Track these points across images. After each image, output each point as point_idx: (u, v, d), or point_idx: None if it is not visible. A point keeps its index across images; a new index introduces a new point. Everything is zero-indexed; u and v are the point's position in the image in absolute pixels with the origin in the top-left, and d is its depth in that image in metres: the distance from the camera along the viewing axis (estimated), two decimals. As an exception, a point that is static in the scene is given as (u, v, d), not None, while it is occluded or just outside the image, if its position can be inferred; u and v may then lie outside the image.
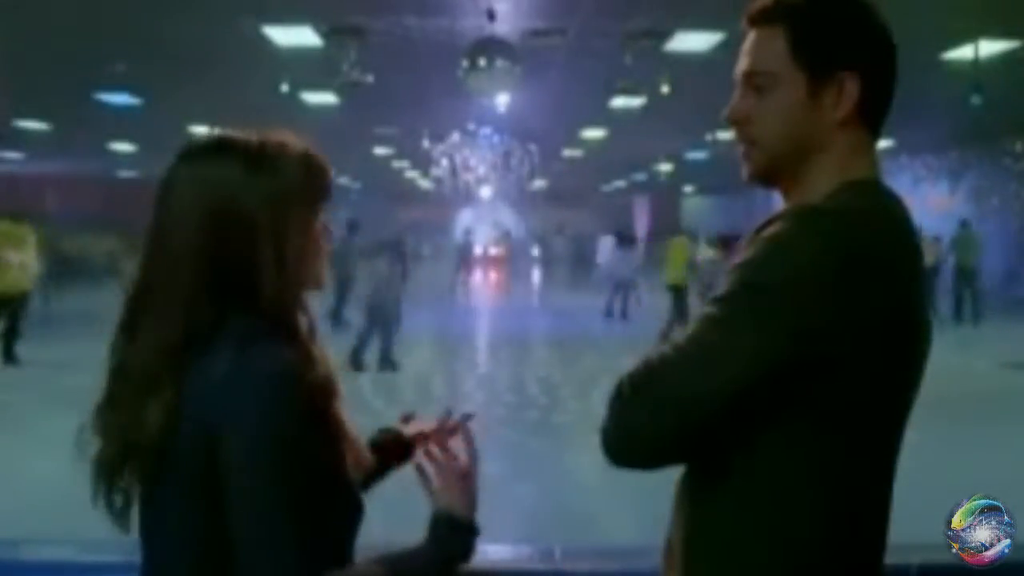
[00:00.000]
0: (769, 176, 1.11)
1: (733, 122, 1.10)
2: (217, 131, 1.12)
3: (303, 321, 1.10)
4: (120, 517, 1.06)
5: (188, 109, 12.24)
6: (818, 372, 0.95)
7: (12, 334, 9.15)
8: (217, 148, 1.09)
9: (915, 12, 6.54)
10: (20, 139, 15.73)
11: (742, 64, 1.10)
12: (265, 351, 1.00)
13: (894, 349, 0.99)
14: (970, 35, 7.65)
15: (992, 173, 16.72)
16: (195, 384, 1.00)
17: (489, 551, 1.69)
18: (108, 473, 1.04)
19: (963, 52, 8.12)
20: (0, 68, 9.51)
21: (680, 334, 1.00)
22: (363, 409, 7.60)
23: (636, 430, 0.99)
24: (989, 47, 7.97)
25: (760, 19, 1.09)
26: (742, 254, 1.01)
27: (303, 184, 1.10)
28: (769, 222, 1.02)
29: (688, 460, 1.08)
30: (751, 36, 1.10)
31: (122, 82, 9.59)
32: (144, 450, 1.00)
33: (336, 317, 11.80)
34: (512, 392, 8.30)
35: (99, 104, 11.03)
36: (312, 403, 1.02)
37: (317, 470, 1.01)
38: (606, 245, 20.57)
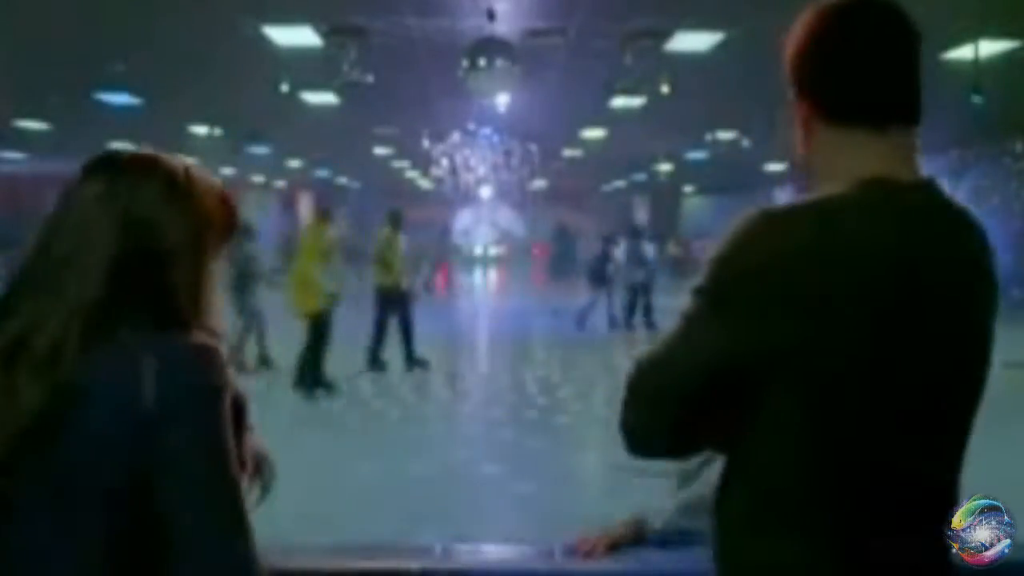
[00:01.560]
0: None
1: None
2: (136, 149, 1.15)
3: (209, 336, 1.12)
4: None
5: (188, 109, 12.25)
6: (780, 360, 1.02)
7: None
8: (133, 163, 1.12)
9: (915, 12, 6.51)
10: (20, 139, 15.73)
11: None
12: (185, 337, 1.03)
13: (857, 338, 1.01)
14: (970, 35, 7.64)
15: (992, 173, 16.71)
16: (95, 380, 0.99)
17: (489, 551, 1.69)
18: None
19: (963, 52, 8.11)
20: (0, 68, 9.51)
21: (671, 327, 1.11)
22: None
23: (634, 428, 1.11)
24: (989, 47, 7.96)
25: None
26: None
27: (218, 219, 1.17)
28: None
29: (690, 448, 1.17)
30: None
31: (122, 82, 9.57)
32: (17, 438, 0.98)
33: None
34: (512, 392, 8.31)
35: (99, 104, 11.02)
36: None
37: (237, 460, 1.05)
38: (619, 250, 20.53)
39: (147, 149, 1.16)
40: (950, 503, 1.09)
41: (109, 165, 1.12)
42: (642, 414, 1.10)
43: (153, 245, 1.07)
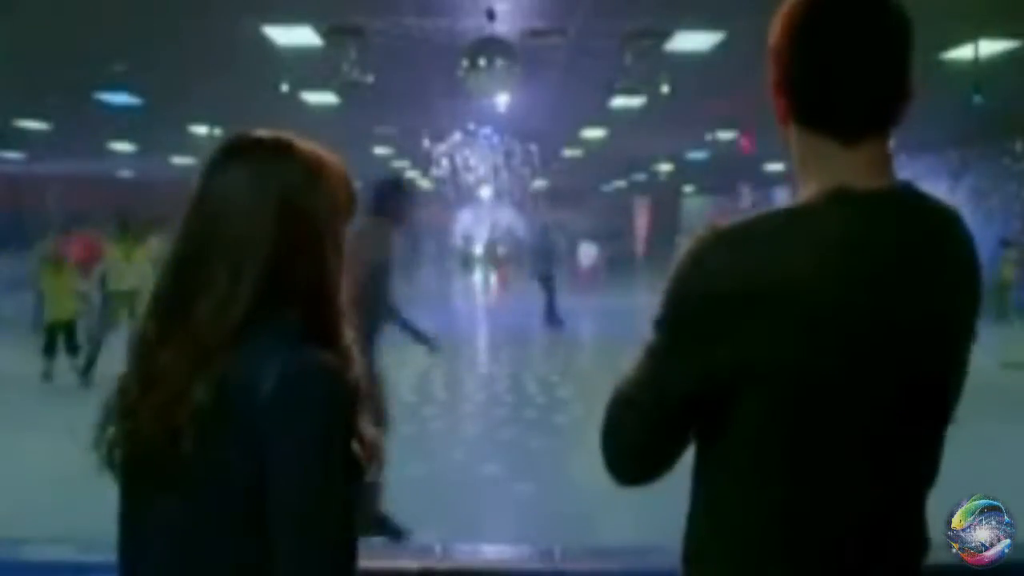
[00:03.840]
0: None
1: None
2: (271, 132, 1.14)
3: (348, 330, 1.13)
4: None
5: (188, 109, 12.23)
6: (740, 386, 1.00)
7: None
8: (276, 147, 1.11)
9: (915, 12, 6.50)
10: (20, 139, 15.73)
11: None
12: (316, 354, 1.03)
13: (813, 360, 0.98)
14: (970, 35, 7.64)
15: (992, 173, 16.70)
16: (240, 380, 1.00)
17: (489, 551, 1.69)
18: (147, 450, 1.03)
19: (963, 52, 8.11)
20: (0, 68, 9.50)
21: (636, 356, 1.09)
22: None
23: (610, 458, 1.11)
24: (989, 47, 7.96)
25: None
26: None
27: (345, 199, 1.16)
28: None
29: (666, 471, 1.13)
30: None
31: (122, 82, 9.57)
32: (186, 427, 1.00)
33: None
34: (512, 392, 8.30)
35: (99, 104, 11.02)
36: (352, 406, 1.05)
37: (354, 470, 1.05)
38: (588, 251, 20.82)
39: (285, 133, 1.14)
40: (912, 526, 1.07)
41: (251, 148, 1.11)
42: (616, 445, 1.10)
43: (305, 229, 1.07)
